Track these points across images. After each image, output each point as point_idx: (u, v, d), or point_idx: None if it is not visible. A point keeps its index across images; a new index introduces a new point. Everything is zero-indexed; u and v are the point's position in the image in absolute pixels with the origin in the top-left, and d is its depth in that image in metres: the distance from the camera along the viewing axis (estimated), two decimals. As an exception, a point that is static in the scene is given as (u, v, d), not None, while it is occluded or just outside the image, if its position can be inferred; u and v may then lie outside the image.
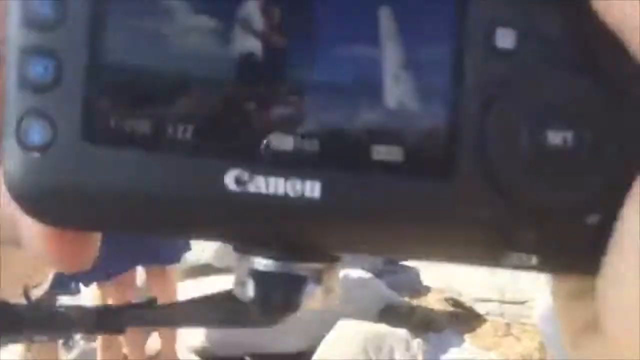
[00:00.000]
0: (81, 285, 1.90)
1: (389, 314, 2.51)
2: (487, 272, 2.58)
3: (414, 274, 3.10)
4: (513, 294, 2.57)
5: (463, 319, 2.70)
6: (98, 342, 2.05)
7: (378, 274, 2.78)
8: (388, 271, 3.07)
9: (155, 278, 1.98)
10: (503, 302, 2.60)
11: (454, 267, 2.57)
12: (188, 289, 2.43)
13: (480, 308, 2.70)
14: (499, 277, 2.58)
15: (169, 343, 2.09)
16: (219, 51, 0.16)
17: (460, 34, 0.16)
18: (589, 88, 0.16)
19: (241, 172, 0.16)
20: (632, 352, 0.15)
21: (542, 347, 2.17)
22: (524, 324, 2.51)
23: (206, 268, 2.81)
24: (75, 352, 2.32)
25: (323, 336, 2.13)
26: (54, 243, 0.17)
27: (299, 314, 0.18)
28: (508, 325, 2.58)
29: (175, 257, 1.97)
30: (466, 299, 2.75)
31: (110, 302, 1.74)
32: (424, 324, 2.59)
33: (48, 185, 0.16)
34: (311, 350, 2.13)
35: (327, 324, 2.13)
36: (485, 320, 2.67)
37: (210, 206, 0.16)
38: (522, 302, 2.54)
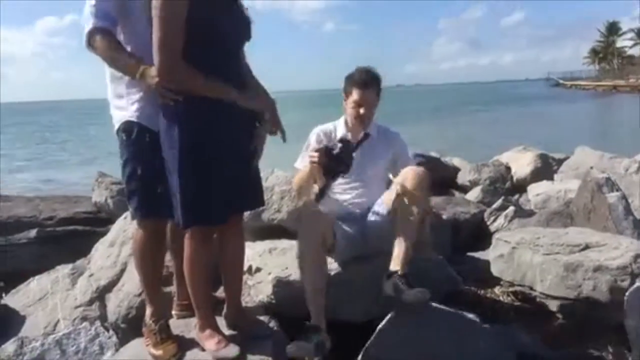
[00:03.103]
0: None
1: (456, 298, 2.42)
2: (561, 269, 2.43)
3: (482, 263, 2.97)
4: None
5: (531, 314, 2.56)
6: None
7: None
8: (455, 261, 2.95)
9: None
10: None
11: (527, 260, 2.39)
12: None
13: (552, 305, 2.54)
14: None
15: (235, 294, 2.09)
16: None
17: None
18: None
19: None
20: None
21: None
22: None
23: (277, 230, 2.82)
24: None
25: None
26: None
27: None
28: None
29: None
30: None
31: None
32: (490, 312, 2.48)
33: None
34: (379, 320, 2.02)
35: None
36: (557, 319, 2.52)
37: None
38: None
